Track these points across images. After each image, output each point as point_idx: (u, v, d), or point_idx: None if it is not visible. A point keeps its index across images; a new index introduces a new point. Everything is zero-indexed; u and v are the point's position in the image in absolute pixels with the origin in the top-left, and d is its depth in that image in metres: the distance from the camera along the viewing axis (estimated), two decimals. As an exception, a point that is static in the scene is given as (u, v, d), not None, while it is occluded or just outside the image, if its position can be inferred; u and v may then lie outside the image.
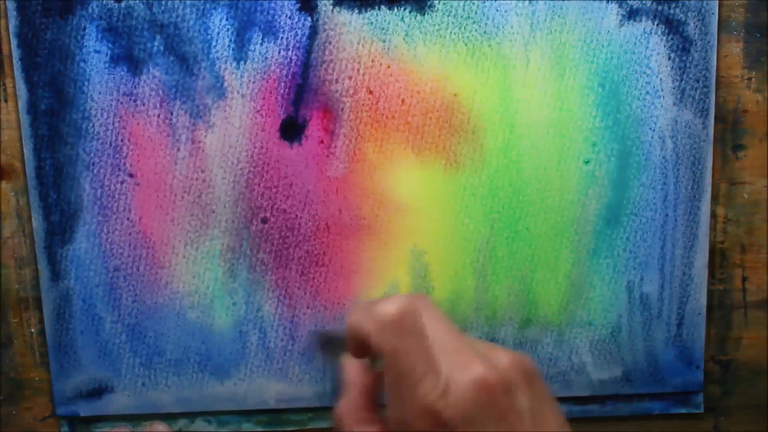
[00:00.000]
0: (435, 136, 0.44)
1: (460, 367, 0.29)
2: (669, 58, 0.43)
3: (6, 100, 0.43)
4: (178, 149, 0.43)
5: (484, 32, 0.43)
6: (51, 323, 0.45)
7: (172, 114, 0.43)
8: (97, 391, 0.46)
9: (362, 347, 0.31)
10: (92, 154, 0.43)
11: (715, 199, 0.46)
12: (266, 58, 0.43)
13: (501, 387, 0.29)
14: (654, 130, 0.44)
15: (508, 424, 0.29)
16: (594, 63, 0.43)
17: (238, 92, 0.43)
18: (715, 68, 0.43)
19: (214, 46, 0.42)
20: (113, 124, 0.43)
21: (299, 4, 0.42)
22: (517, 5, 0.42)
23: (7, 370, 0.47)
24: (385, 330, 0.30)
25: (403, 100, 0.43)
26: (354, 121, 0.43)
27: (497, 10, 0.42)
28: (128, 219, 0.44)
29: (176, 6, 0.42)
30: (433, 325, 0.31)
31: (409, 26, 0.43)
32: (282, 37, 0.43)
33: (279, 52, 0.43)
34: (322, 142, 0.44)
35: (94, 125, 0.43)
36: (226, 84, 0.43)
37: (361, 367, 0.33)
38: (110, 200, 0.44)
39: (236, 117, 0.43)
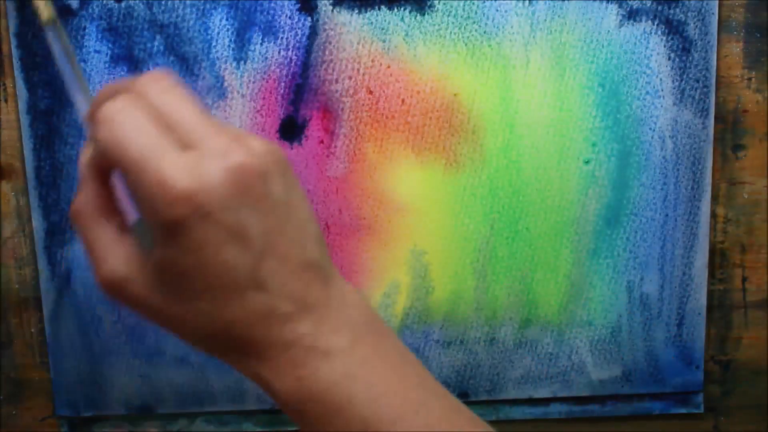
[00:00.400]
0: (435, 136, 0.44)
1: (215, 152, 0.27)
2: (669, 58, 0.43)
3: (6, 100, 0.43)
4: (178, 149, 0.43)
5: (484, 32, 0.43)
6: (51, 323, 0.45)
7: (172, 114, 0.43)
8: (97, 392, 0.46)
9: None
10: (92, 154, 0.43)
11: (715, 199, 0.46)
12: (266, 58, 0.43)
13: (257, 173, 0.28)
14: (654, 130, 0.44)
15: (262, 212, 0.28)
16: (594, 63, 0.43)
17: (238, 92, 0.43)
18: (715, 68, 0.43)
19: (214, 46, 0.42)
20: (113, 124, 0.43)
21: (299, 4, 0.42)
22: (517, 5, 0.42)
23: (7, 370, 0.47)
24: (103, 120, 0.27)
25: (403, 100, 0.43)
26: (354, 121, 0.43)
27: (497, 10, 0.42)
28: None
29: (176, 6, 0.42)
30: (178, 107, 0.28)
31: (409, 26, 0.43)
32: (282, 37, 0.43)
33: (279, 52, 0.43)
34: (322, 142, 0.44)
35: (94, 125, 0.43)
36: (226, 84, 0.43)
37: (94, 158, 0.30)
38: (110, 200, 0.44)
39: (236, 117, 0.43)
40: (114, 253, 0.30)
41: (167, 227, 0.27)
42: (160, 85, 0.29)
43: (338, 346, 0.29)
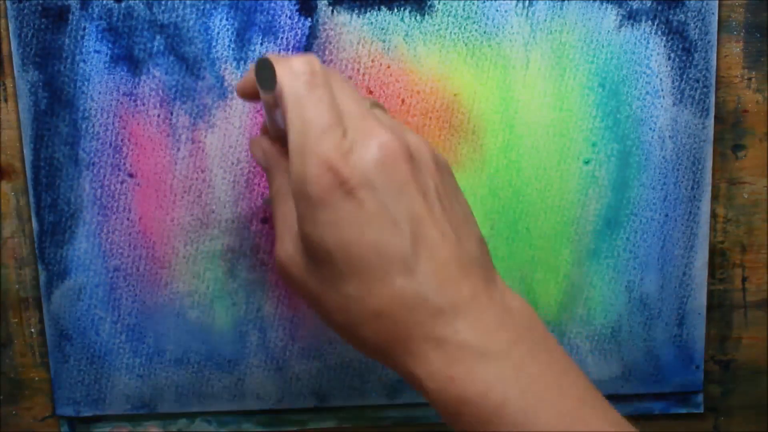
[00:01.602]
0: (435, 136, 0.44)
1: (366, 131, 0.28)
2: (669, 59, 0.43)
3: (6, 100, 0.43)
4: (178, 149, 0.44)
5: (484, 32, 0.43)
6: (51, 323, 0.45)
7: (172, 114, 0.43)
8: (97, 391, 0.46)
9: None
10: (92, 154, 0.43)
11: (715, 199, 0.46)
12: (266, 58, 0.43)
13: (406, 158, 0.27)
14: (654, 131, 0.44)
15: (411, 197, 0.27)
16: (594, 63, 0.43)
17: (238, 92, 0.43)
18: (715, 68, 0.43)
19: (214, 47, 0.42)
20: (113, 124, 0.43)
21: (299, 5, 0.42)
22: (517, 6, 0.42)
23: (7, 370, 0.47)
24: (295, 78, 0.29)
25: (403, 100, 0.43)
26: (354, 121, 0.43)
27: (497, 11, 0.42)
28: (128, 219, 0.44)
29: (176, 6, 0.42)
30: (342, 92, 0.29)
31: (408, 26, 0.43)
32: (282, 38, 0.43)
33: (279, 53, 0.43)
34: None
35: (94, 125, 0.43)
36: (226, 84, 0.43)
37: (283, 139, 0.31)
38: (110, 200, 0.44)
39: (236, 117, 0.43)
40: (290, 234, 0.30)
41: (311, 201, 0.27)
42: (339, 77, 0.30)
43: (494, 349, 0.28)
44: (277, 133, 0.34)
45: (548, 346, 0.30)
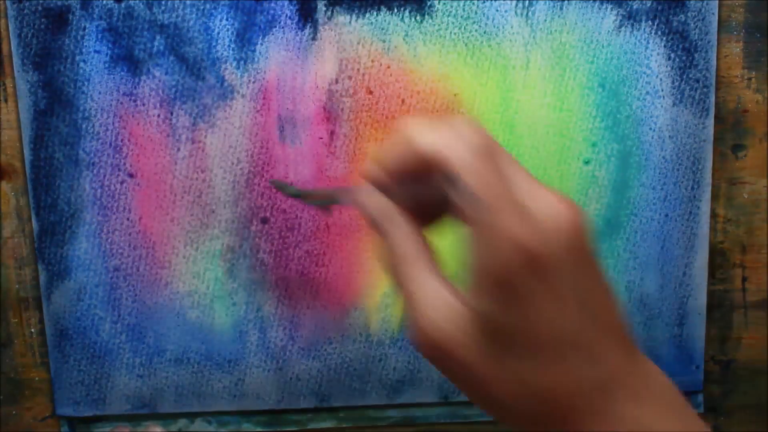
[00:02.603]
0: (435, 136, 0.44)
1: (546, 205, 0.27)
2: (669, 59, 0.43)
3: (6, 100, 0.43)
4: (178, 149, 0.43)
5: (484, 33, 0.43)
6: (51, 323, 0.45)
7: (172, 114, 0.43)
8: (97, 391, 0.46)
9: (425, 173, 0.28)
10: (92, 154, 0.43)
11: (715, 199, 0.46)
12: (266, 58, 0.43)
13: (584, 228, 0.27)
14: (654, 131, 0.44)
15: (587, 276, 0.27)
16: (594, 63, 0.43)
17: (238, 92, 0.43)
18: (715, 68, 0.43)
19: (215, 47, 0.42)
20: (113, 124, 0.43)
21: (299, 5, 0.42)
22: (517, 6, 0.42)
23: (7, 370, 0.47)
24: (476, 155, 0.27)
25: (403, 100, 0.43)
26: (354, 121, 0.43)
27: (497, 11, 0.42)
28: (128, 219, 0.44)
29: (176, 6, 0.42)
30: (518, 171, 0.28)
31: (408, 27, 0.43)
32: (282, 38, 0.43)
33: (279, 53, 0.43)
34: (322, 142, 0.44)
35: (94, 125, 0.43)
36: (226, 84, 0.43)
37: (396, 198, 0.29)
38: (110, 200, 0.44)
39: (236, 117, 0.43)
40: (439, 308, 0.28)
41: (501, 279, 0.26)
42: (504, 153, 0.28)
43: (653, 421, 0.28)
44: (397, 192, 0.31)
45: (693, 416, 0.30)
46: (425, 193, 0.30)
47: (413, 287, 0.29)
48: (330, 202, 0.35)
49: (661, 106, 0.44)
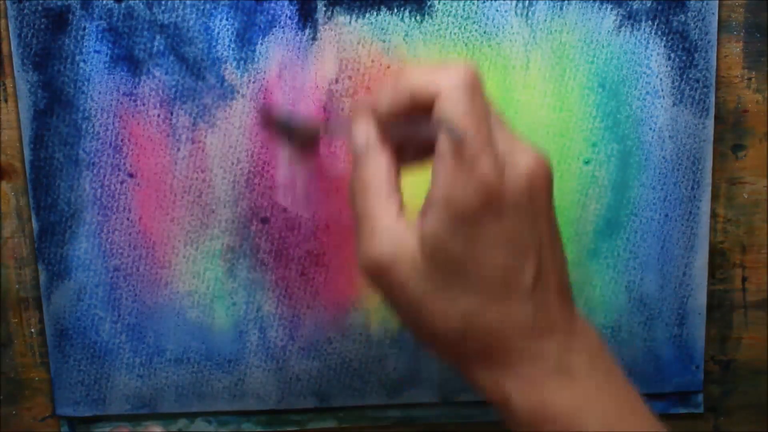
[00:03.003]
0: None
1: (516, 151, 0.28)
2: (669, 59, 0.43)
3: (6, 100, 0.43)
4: (179, 149, 0.44)
5: (484, 33, 0.43)
6: (51, 323, 0.45)
7: (172, 114, 0.43)
8: (97, 391, 0.46)
9: (415, 109, 0.29)
10: (92, 154, 0.43)
11: (715, 199, 0.46)
12: (267, 58, 0.43)
13: (547, 182, 0.28)
14: (654, 131, 0.44)
15: (544, 225, 0.28)
16: (594, 63, 0.43)
17: (238, 92, 0.43)
18: (715, 68, 0.43)
19: (215, 47, 0.42)
20: (113, 124, 0.43)
21: (299, 5, 0.42)
22: (517, 6, 0.42)
23: (7, 370, 0.47)
24: (460, 91, 0.28)
25: (403, 101, 0.43)
26: (354, 121, 0.43)
27: (497, 11, 0.42)
28: (128, 219, 0.44)
29: (177, 6, 0.42)
30: (497, 119, 0.29)
31: (408, 27, 0.43)
32: (282, 38, 0.43)
33: (279, 53, 0.43)
34: (322, 142, 0.44)
35: (94, 125, 0.43)
36: (226, 84, 0.43)
37: (383, 133, 0.30)
38: (110, 200, 0.44)
39: (237, 117, 0.43)
40: (389, 234, 0.29)
41: (461, 211, 0.27)
42: (488, 101, 0.29)
43: (580, 370, 0.29)
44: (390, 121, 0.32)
45: (615, 366, 0.31)
46: (414, 135, 0.31)
47: (367, 213, 0.29)
48: (316, 133, 0.35)
49: (661, 106, 0.44)
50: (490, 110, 0.29)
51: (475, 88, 0.28)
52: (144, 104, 0.43)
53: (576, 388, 0.29)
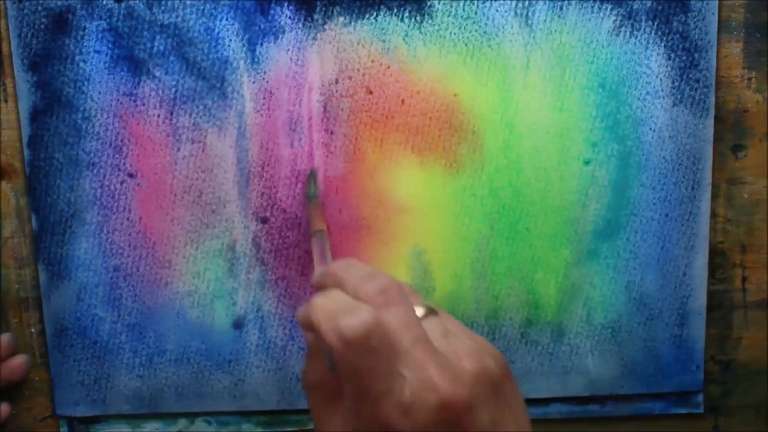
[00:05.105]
0: (435, 137, 0.44)
1: (426, 384, 0.28)
2: (669, 59, 0.43)
3: (6, 100, 0.43)
4: (179, 149, 0.44)
5: (484, 33, 0.43)
6: (51, 323, 0.45)
7: (172, 114, 0.43)
8: (97, 391, 0.46)
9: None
10: (92, 154, 0.43)
11: (715, 199, 0.46)
12: (267, 58, 0.43)
13: (464, 408, 0.28)
14: (654, 131, 0.44)
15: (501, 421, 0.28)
16: (594, 64, 0.43)
17: (238, 92, 0.43)
18: (715, 68, 0.43)
19: (215, 47, 0.42)
20: (113, 124, 0.43)
21: (300, 5, 0.42)
22: (517, 6, 0.42)
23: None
24: (349, 349, 0.28)
25: (403, 101, 0.43)
26: (354, 121, 0.43)
27: (497, 11, 0.42)
28: (128, 219, 0.44)
29: (177, 6, 0.42)
30: (402, 333, 0.29)
31: (408, 27, 0.43)
32: (282, 38, 0.43)
33: (279, 53, 0.43)
34: (322, 142, 0.44)
35: (94, 125, 0.43)
36: (226, 84, 0.43)
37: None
38: (110, 200, 0.44)
39: (237, 117, 0.43)
40: (330, 417, 0.32)
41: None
42: (395, 302, 0.30)
43: None
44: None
45: None
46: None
47: (315, 404, 0.33)
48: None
49: (661, 107, 0.44)
50: (407, 339, 0.29)
51: (369, 339, 0.28)
52: (144, 104, 0.43)
53: None
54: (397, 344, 0.28)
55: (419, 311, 0.31)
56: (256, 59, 0.43)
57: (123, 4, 0.42)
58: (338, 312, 0.29)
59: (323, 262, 0.37)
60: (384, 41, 0.43)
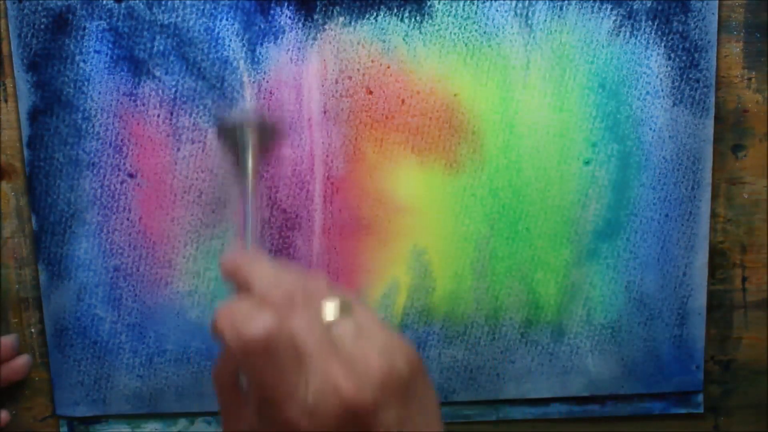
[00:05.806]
0: (435, 137, 0.44)
1: (329, 387, 0.28)
2: (669, 59, 0.43)
3: (6, 100, 0.43)
4: (179, 149, 0.44)
5: (484, 33, 0.43)
6: (51, 323, 0.45)
7: (172, 114, 0.43)
8: (97, 391, 0.46)
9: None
10: (92, 154, 0.43)
11: (715, 199, 0.46)
12: (267, 58, 0.43)
13: (368, 410, 0.28)
14: (654, 131, 0.44)
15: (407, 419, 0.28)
16: (594, 64, 0.43)
17: (238, 92, 0.43)
18: (715, 68, 0.43)
19: (215, 47, 0.42)
20: (113, 124, 0.43)
21: (299, 5, 0.42)
22: (517, 6, 0.42)
23: (7, 370, 0.47)
24: (250, 355, 0.28)
25: (403, 101, 0.43)
26: (354, 122, 0.43)
27: (497, 11, 0.42)
28: (128, 219, 0.44)
29: (177, 6, 0.42)
30: (305, 337, 0.29)
31: (408, 27, 0.43)
32: (282, 38, 0.43)
33: (279, 53, 0.43)
34: (322, 142, 0.44)
35: (94, 125, 0.43)
36: (226, 84, 0.43)
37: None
38: (110, 200, 0.44)
39: (237, 117, 0.43)
40: (237, 417, 0.33)
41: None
42: (305, 295, 0.30)
43: None
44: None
45: None
46: None
47: (224, 400, 0.34)
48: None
49: (661, 107, 0.44)
50: (312, 337, 0.29)
51: (270, 342, 0.29)
52: (144, 104, 0.43)
53: None
54: (301, 348, 0.28)
55: (331, 312, 0.31)
56: (256, 59, 0.43)
57: (123, 4, 0.42)
58: (240, 320, 0.29)
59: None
60: (384, 41, 0.43)
